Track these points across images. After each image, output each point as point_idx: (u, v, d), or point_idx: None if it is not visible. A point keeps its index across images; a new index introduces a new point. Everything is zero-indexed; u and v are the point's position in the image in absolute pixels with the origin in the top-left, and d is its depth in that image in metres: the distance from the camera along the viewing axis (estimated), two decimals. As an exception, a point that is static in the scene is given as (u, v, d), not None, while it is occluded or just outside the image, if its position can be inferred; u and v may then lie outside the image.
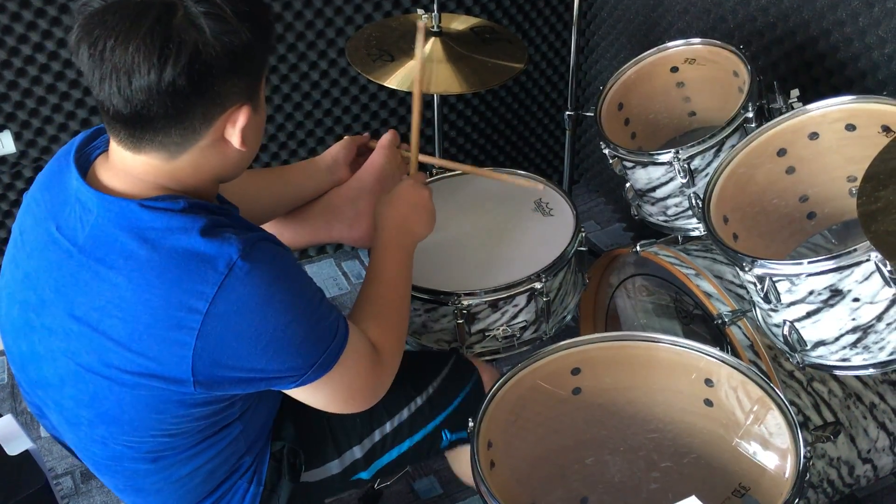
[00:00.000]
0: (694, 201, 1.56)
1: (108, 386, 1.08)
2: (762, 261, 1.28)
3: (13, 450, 1.31)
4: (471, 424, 1.27)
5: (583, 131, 2.79)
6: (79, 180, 1.08)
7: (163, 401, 1.08)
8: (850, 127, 1.44)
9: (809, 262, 1.24)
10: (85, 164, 1.11)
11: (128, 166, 1.07)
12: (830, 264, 1.22)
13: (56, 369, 1.11)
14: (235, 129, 1.06)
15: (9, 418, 1.35)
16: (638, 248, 1.69)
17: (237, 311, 1.03)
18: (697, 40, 1.73)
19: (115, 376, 1.06)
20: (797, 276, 1.26)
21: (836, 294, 1.25)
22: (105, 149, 1.12)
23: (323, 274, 2.61)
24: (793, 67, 1.87)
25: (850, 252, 1.21)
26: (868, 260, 1.20)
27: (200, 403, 1.11)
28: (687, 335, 1.84)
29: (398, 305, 1.33)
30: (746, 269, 1.30)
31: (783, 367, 1.50)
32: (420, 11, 1.96)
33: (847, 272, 1.22)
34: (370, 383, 1.22)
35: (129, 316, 1.03)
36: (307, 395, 1.17)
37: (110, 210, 1.05)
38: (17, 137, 2.19)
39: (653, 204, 1.71)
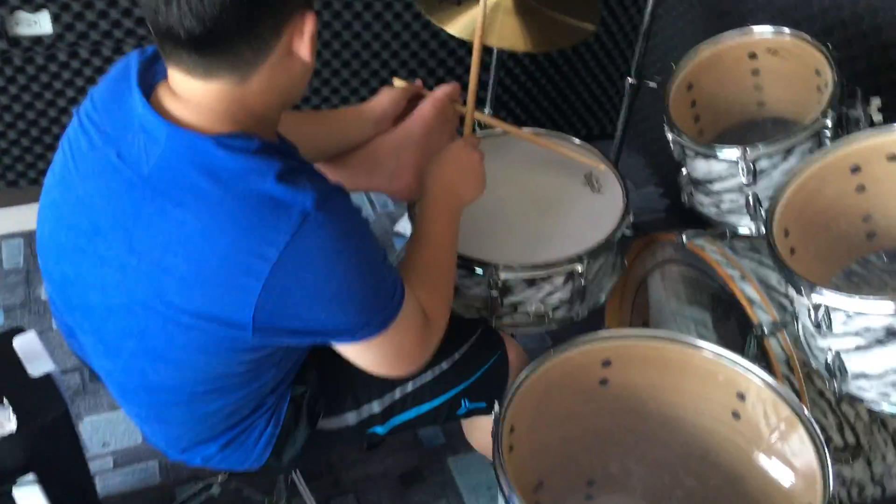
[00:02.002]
0: (753, 204, 1.50)
1: (161, 323, 1.05)
2: (822, 288, 1.24)
3: (35, 370, 1.28)
4: (497, 409, 1.25)
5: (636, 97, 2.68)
6: (145, 107, 1.03)
7: (215, 344, 1.07)
8: (934, 155, 1.38)
9: (872, 301, 1.19)
10: (147, 90, 1.06)
11: (197, 96, 1.02)
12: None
13: (104, 299, 1.08)
14: (304, 38, 1.04)
15: (32, 335, 1.31)
16: (684, 237, 1.64)
17: (306, 262, 1.01)
18: (787, 31, 1.62)
19: (171, 315, 1.04)
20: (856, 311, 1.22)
21: (891, 334, 1.21)
22: (167, 76, 1.07)
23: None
24: (874, 67, 1.77)
25: (917, 298, 1.16)
26: (934, 308, 1.15)
27: (251, 349, 1.09)
28: (717, 328, 1.81)
29: (445, 270, 1.32)
30: (803, 293, 1.26)
31: (814, 384, 1.47)
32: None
33: (909, 316, 1.18)
34: (418, 347, 1.22)
35: (195, 256, 1.00)
36: (357, 352, 1.15)
37: (180, 144, 1.01)
38: (55, 19, 2.11)
39: (707, 195, 1.65)
